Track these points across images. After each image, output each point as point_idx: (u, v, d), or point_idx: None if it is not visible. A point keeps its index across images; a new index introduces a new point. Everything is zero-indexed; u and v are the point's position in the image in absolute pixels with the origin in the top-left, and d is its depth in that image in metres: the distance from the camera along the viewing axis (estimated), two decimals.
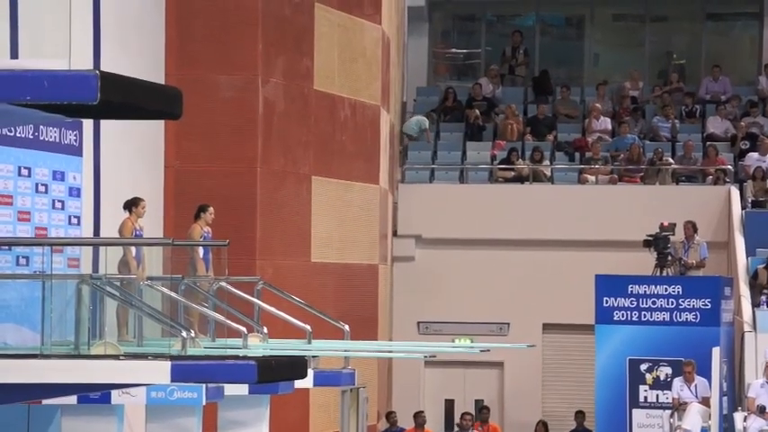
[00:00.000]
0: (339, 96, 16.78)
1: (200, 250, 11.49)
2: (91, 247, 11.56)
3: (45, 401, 10.41)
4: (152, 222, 14.72)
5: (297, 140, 16.05)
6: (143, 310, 10.16)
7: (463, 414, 18.74)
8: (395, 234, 20.21)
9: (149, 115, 7.80)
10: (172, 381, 8.50)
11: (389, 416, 19.22)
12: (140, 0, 14.64)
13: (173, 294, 11.01)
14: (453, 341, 19.96)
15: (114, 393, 10.66)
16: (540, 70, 22.90)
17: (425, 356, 12.41)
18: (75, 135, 12.03)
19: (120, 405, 11.00)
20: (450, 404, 20.25)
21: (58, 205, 11.69)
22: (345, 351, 12.12)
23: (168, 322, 9.95)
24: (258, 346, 10.98)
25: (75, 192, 11.99)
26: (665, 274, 17.77)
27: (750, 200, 19.85)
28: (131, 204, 11.51)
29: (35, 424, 10.77)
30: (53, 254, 9.42)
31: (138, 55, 14.28)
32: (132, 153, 14.18)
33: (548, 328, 19.91)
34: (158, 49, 15.04)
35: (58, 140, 11.73)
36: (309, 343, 11.64)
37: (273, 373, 8.90)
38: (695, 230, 18.22)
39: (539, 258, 19.80)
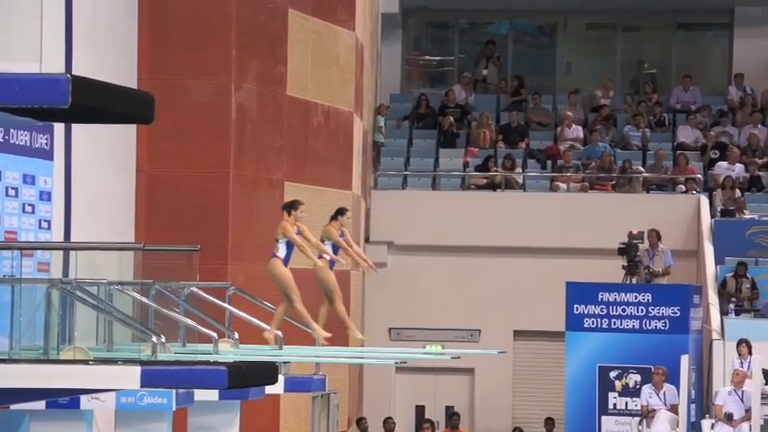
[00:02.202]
0: (312, 102, 16.79)
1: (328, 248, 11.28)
2: (61, 252, 11.52)
3: (13, 406, 10.36)
4: (123, 227, 14.70)
5: (270, 146, 16.06)
6: (113, 315, 10.14)
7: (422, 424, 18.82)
8: (367, 240, 20.24)
9: (121, 119, 7.80)
10: (142, 386, 8.49)
11: (360, 422, 19.23)
12: (113, 4, 14.61)
13: (144, 299, 10.98)
14: (425, 347, 19.99)
15: (83, 398, 10.63)
16: (515, 77, 23.00)
17: (396, 363, 12.43)
18: (47, 139, 12.00)
19: (90, 410, 10.97)
20: (420, 410, 20.29)
21: (29, 209, 11.65)
22: (316, 357, 12.13)
23: (139, 327, 9.94)
24: (229, 351, 10.97)
25: (45, 196, 11.95)
26: (633, 281, 17.88)
27: (719, 209, 19.99)
28: (290, 207, 11.34)
29: (3, 429, 10.73)
30: (23, 258, 9.38)
31: (111, 59, 14.26)
32: (104, 157, 14.15)
33: (518, 334, 19.98)
34: (131, 54, 15.02)
35: (28, 144, 11.70)
36: (280, 349, 11.64)
37: (244, 379, 8.91)
38: (659, 238, 18.34)
39: (510, 265, 19.87)
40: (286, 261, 11.35)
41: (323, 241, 11.55)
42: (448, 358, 12.21)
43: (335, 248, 11.60)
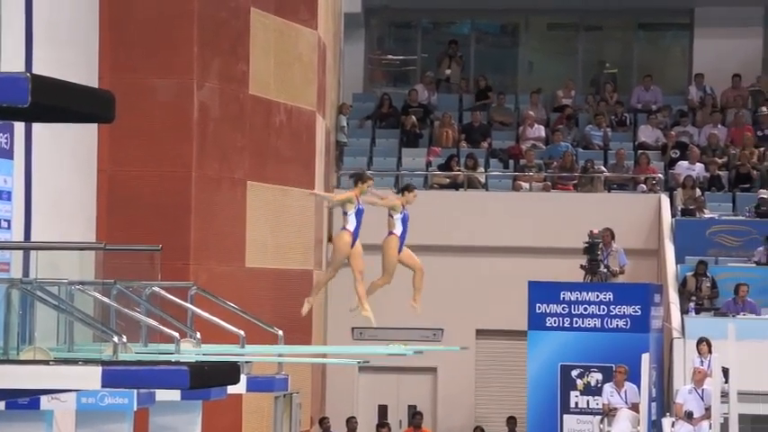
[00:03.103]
0: (275, 101, 16.77)
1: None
2: (21, 252, 11.45)
3: None
4: (84, 226, 14.62)
5: (232, 145, 16.02)
6: (74, 315, 10.09)
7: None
8: (330, 239, 20.22)
9: (82, 119, 7.76)
10: (102, 386, 8.45)
11: (322, 421, 19.22)
12: (73, 2, 14.53)
13: (105, 299, 10.93)
14: (387, 346, 19.96)
15: (43, 399, 10.56)
16: (482, 76, 23.07)
17: (359, 362, 12.44)
18: (6, 138, 11.93)
19: (50, 411, 10.89)
20: (383, 410, 20.32)
21: None
22: (279, 356, 12.11)
23: (100, 327, 9.89)
24: (191, 351, 10.93)
25: (5, 195, 11.88)
26: (594, 281, 17.97)
27: (680, 208, 20.12)
28: (359, 178, 10.98)
29: None
30: None
31: (71, 58, 14.18)
32: (65, 157, 14.07)
33: (481, 333, 20.04)
34: (92, 52, 14.94)
35: None
36: (243, 348, 11.61)
37: (206, 379, 8.89)
38: (613, 237, 18.43)
39: (472, 264, 19.93)
40: (355, 235, 10.82)
41: (390, 216, 11.17)
42: (411, 352, 12.19)
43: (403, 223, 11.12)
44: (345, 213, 10.83)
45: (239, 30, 16.07)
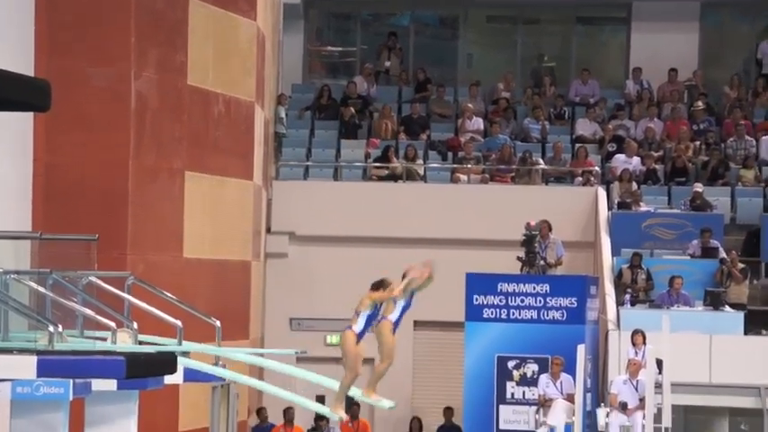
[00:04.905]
0: (213, 92, 16.71)
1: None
2: None
3: None
4: (20, 215, 14.50)
5: (170, 135, 15.95)
6: (9, 305, 10.01)
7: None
8: (268, 230, 20.21)
9: (17, 107, 7.70)
10: (38, 376, 8.41)
11: (260, 412, 19.22)
12: None
13: (40, 289, 10.85)
14: (325, 338, 20.03)
15: None
16: (421, 69, 23.12)
17: (297, 352, 12.45)
18: None
19: None
20: (321, 400, 20.30)
21: None
22: (217, 348, 12.09)
23: (35, 317, 9.82)
24: (127, 342, 10.87)
25: None
26: (532, 272, 18.09)
27: (616, 201, 20.32)
28: (379, 284, 10.90)
29: None
30: None
31: (7, 46, 14.03)
32: (0, 145, 13.93)
33: (419, 325, 20.11)
34: (28, 40, 14.80)
35: None
36: (180, 339, 11.57)
37: (142, 369, 8.87)
38: (550, 229, 18.56)
39: (410, 256, 19.89)
40: (360, 336, 10.76)
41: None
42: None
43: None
44: (357, 313, 10.72)
45: (178, 19, 15.99)
